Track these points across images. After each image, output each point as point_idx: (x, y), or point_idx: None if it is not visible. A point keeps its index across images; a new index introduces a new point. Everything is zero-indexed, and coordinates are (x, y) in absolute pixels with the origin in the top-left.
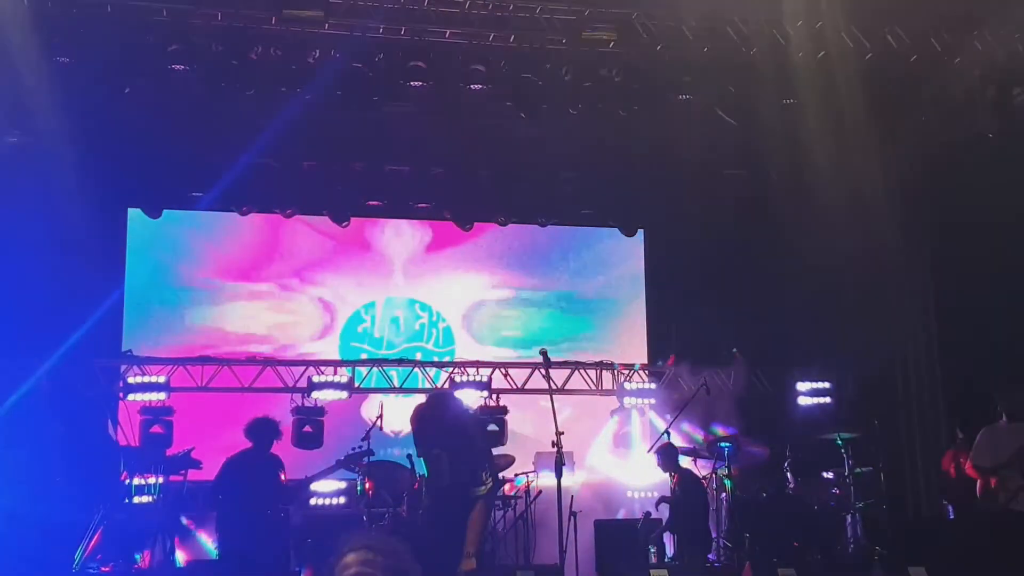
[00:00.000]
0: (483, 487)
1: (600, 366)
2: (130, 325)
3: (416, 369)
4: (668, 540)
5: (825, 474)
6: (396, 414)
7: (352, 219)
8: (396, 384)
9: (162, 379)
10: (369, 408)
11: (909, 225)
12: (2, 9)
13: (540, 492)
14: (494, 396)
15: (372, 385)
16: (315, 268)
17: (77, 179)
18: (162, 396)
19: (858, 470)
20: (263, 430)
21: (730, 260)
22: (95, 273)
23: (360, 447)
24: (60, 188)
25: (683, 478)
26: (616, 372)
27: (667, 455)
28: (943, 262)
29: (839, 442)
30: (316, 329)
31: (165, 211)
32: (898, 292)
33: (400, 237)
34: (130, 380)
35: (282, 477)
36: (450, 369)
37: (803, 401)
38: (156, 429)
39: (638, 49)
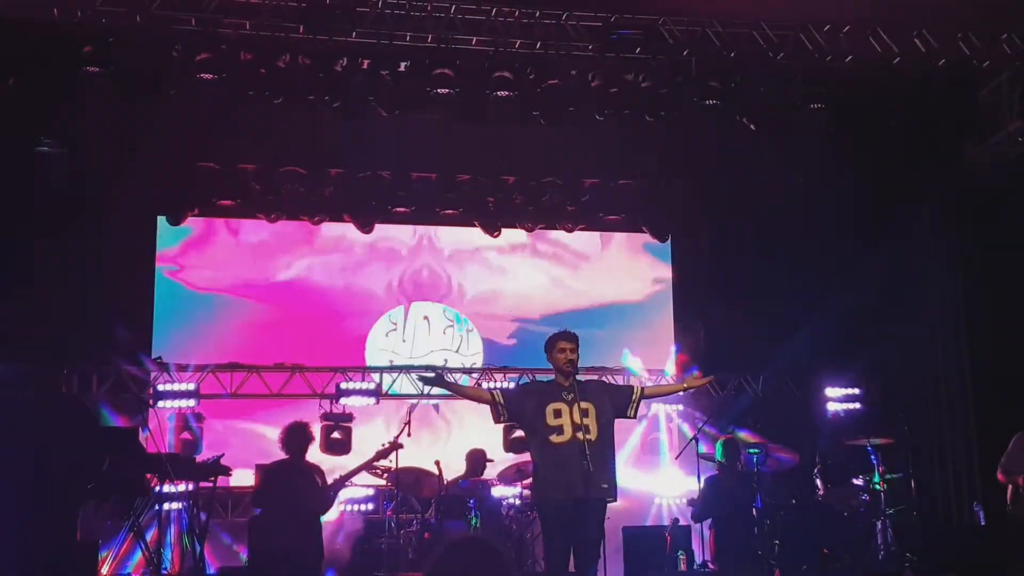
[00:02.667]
0: None
1: (627, 372)
2: (159, 332)
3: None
4: (696, 546)
5: (855, 480)
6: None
7: (380, 225)
8: (424, 390)
9: (191, 386)
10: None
11: (940, 229)
12: (32, 20)
13: None
14: None
15: (400, 391)
16: (342, 273)
17: (106, 187)
18: (191, 403)
19: (888, 476)
20: (297, 437)
21: (758, 266)
22: (125, 280)
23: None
24: (89, 196)
25: (741, 476)
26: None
27: (733, 449)
28: (975, 266)
29: (869, 448)
30: (344, 334)
31: (194, 218)
32: (929, 297)
33: (426, 243)
34: (160, 387)
35: (319, 482)
36: (477, 375)
37: (832, 407)
38: (186, 436)
39: (664, 55)
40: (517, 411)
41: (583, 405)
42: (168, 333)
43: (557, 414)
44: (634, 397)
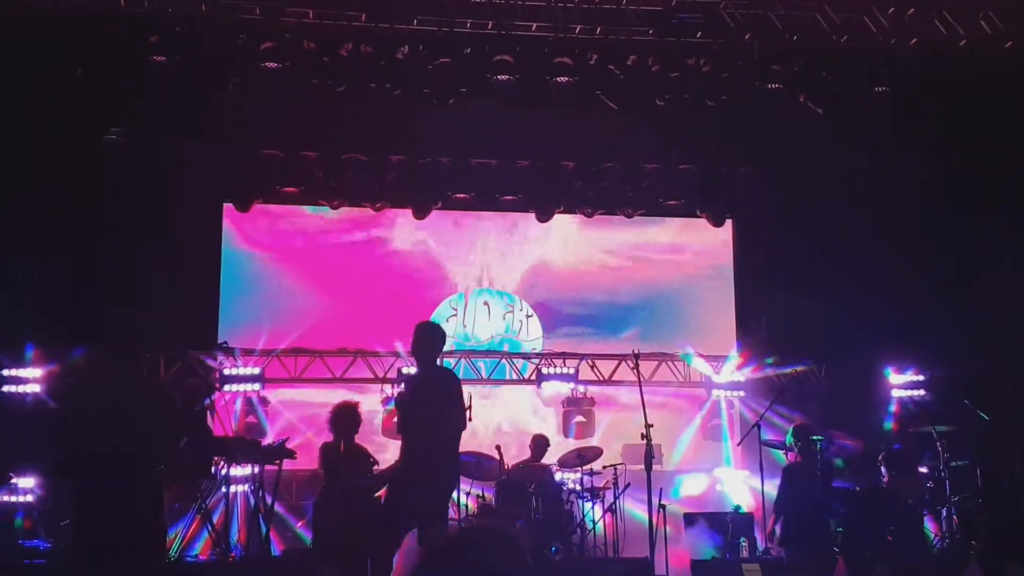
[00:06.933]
0: None
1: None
2: (225, 317)
3: (504, 361)
4: (759, 534)
5: (920, 468)
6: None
7: (440, 211)
8: (484, 376)
9: (257, 370)
10: None
11: (1007, 212)
12: (99, 10)
13: (629, 484)
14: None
15: (460, 376)
16: (403, 259)
17: (174, 173)
18: (257, 387)
19: (954, 464)
20: (342, 420)
21: (820, 250)
22: (191, 265)
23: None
24: (158, 182)
25: (808, 463)
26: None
27: (804, 434)
28: None
29: (934, 435)
30: (406, 320)
31: (259, 205)
32: (996, 283)
33: (487, 228)
34: (226, 372)
35: (371, 462)
36: (537, 361)
37: (897, 394)
38: (251, 419)
39: (725, 38)
40: None
41: None
42: (234, 318)
43: None
44: None
